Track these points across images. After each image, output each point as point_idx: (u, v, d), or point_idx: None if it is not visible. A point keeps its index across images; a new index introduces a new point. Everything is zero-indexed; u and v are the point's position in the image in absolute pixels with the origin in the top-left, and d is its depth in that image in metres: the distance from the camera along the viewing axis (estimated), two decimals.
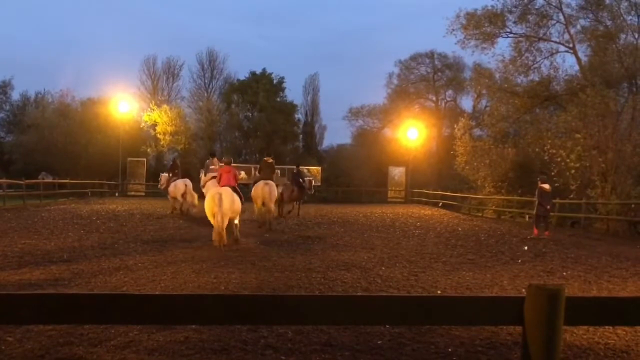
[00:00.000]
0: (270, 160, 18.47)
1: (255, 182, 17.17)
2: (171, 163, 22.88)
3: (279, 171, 27.96)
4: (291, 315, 2.12)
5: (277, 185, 17.57)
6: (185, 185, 19.20)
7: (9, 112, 54.70)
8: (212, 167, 16.87)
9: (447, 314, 2.18)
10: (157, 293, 2.25)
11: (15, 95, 55.12)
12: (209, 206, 11.82)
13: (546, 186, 17.01)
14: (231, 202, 11.95)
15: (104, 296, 2.24)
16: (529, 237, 16.34)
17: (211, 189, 12.74)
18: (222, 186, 12.50)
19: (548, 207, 17.00)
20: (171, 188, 19.79)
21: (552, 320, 2.07)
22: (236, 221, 12.85)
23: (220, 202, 11.48)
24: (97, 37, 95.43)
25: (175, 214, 19.86)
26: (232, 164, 13.83)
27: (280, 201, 19.31)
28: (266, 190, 16.14)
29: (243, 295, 1.94)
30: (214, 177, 14.42)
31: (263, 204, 16.35)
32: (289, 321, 2.25)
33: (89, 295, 2.26)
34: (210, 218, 11.94)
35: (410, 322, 2.20)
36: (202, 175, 17.46)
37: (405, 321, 2.21)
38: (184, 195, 19.10)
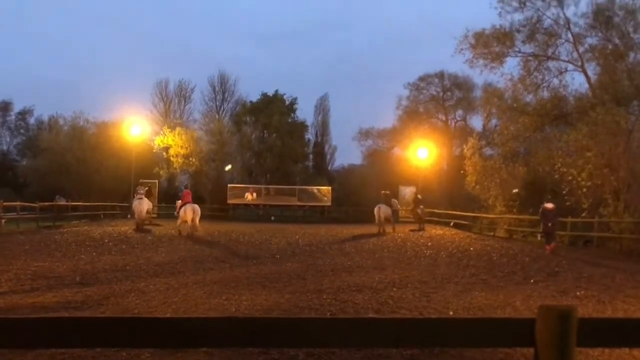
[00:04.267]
0: (387, 192, 27.13)
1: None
2: (182, 189, 26.08)
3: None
4: (304, 338, 2.13)
5: (384, 208, 25.48)
6: (193, 210, 21.32)
7: (25, 136, 55.63)
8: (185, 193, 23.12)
9: (458, 335, 2.18)
10: (170, 316, 2.26)
11: (32, 120, 56.29)
12: (187, 212, 20.95)
13: (549, 205, 18.40)
14: (194, 209, 21.15)
15: (116, 319, 2.26)
16: (546, 253, 17.20)
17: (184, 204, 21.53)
18: (186, 202, 21.57)
19: (549, 224, 18.21)
20: (181, 212, 21.68)
21: (564, 341, 2.07)
22: (197, 220, 21.27)
23: (191, 209, 20.99)
24: (110, 60, 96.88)
25: (182, 235, 20.83)
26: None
27: (384, 221, 25.46)
28: (383, 210, 25.15)
29: (258, 317, 1.96)
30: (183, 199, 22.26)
31: (381, 219, 25.15)
32: (303, 344, 2.25)
33: (100, 318, 2.28)
34: (185, 218, 21.01)
35: (422, 345, 2.20)
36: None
37: (417, 343, 2.21)
38: (193, 219, 21.24)
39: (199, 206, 22.45)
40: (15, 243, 16.85)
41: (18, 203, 28.13)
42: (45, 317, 2.26)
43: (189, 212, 21.10)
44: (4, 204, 23.55)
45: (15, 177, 48.74)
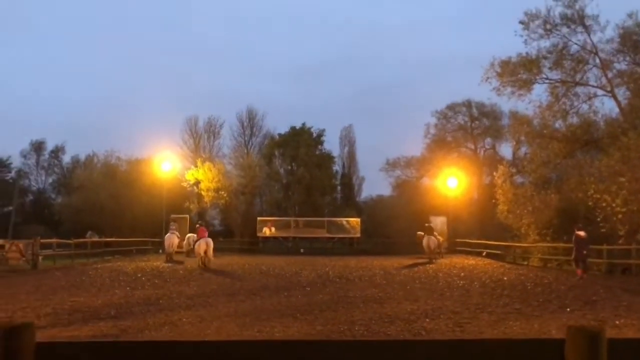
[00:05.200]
0: (430, 225, 29.92)
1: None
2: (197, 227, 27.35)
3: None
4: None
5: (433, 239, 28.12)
6: (207, 244, 22.99)
7: (59, 174, 57.30)
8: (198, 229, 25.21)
9: (489, 356, 2.20)
10: (213, 339, 2.33)
11: (66, 158, 58.05)
12: (200, 245, 22.87)
13: (581, 233, 18.89)
14: (207, 243, 22.81)
15: (160, 343, 2.35)
16: (576, 278, 17.49)
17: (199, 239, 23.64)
18: (201, 237, 23.53)
19: (584, 252, 18.69)
20: (196, 247, 23.84)
21: None
22: (210, 253, 22.77)
23: (205, 243, 22.76)
24: (141, 98, 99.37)
25: (200, 267, 22.16)
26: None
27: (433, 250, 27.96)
28: (431, 241, 27.77)
29: (294, 340, 2.00)
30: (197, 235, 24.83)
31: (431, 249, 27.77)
32: None
33: (145, 342, 2.38)
34: (199, 251, 22.85)
35: None
36: (176, 232, 27.94)
37: None
38: (205, 252, 22.87)
39: (229, 240, 24.40)
40: (52, 279, 17.25)
41: (54, 240, 28.87)
42: (92, 342, 2.37)
43: (203, 246, 22.88)
44: (41, 241, 24.18)
45: (51, 215, 50.01)
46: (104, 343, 2.38)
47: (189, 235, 30.12)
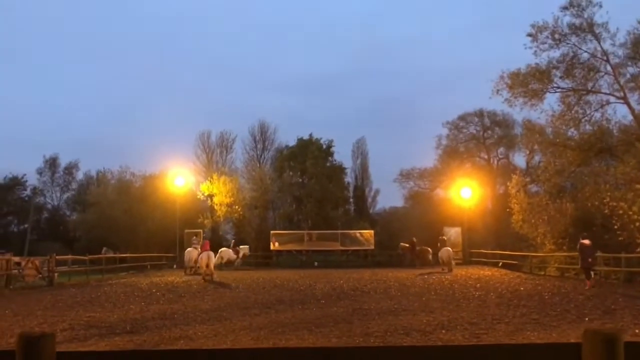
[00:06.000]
0: (444, 238, 31.38)
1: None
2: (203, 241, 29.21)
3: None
4: None
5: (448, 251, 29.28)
6: (208, 257, 24.03)
7: (74, 191, 57.86)
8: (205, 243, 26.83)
9: None
10: (230, 347, 2.34)
11: (80, 175, 58.67)
12: (202, 259, 23.98)
13: (586, 242, 19.00)
14: (208, 256, 23.84)
15: (177, 352, 2.38)
16: (586, 288, 17.53)
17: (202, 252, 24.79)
18: (204, 250, 24.60)
19: (590, 260, 18.78)
20: (199, 260, 25.14)
21: None
22: (212, 266, 23.79)
23: (206, 256, 23.84)
24: (155, 114, 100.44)
25: (206, 280, 22.88)
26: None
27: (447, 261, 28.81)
28: (444, 252, 28.85)
29: (310, 347, 2.01)
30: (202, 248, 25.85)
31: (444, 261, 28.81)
32: None
33: (162, 351, 2.40)
34: (202, 264, 23.94)
35: None
36: (197, 247, 28.50)
37: None
38: (207, 265, 23.85)
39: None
40: (68, 295, 17.37)
41: (69, 257, 29.15)
42: (117, 351, 2.40)
43: (205, 259, 23.93)
44: (57, 258, 24.39)
45: (66, 232, 50.51)
46: (123, 352, 2.41)
47: (222, 249, 32.21)
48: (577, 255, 19.81)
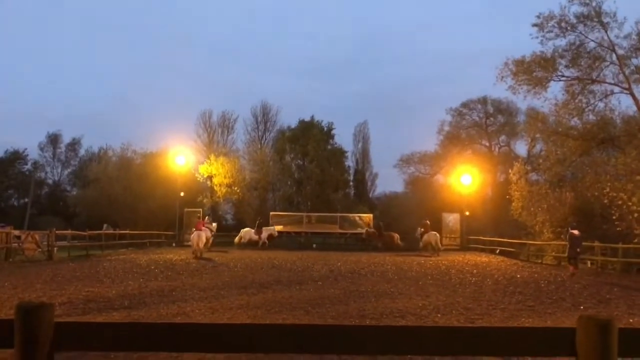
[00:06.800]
0: (427, 222, 30.91)
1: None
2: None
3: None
4: (350, 344, 2.23)
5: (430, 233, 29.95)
6: (198, 236, 24.90)
7: (75, 167, 57.95)
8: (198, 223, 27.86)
9: (501, 344, 2.20)
10: (224, 322, 2.37)
11: (82, 152, 58.71)
12: (193, 238, 25.06)
13: (575, 232, 19.39)
14: (199, 235, 24.83)
15: (177, 325, 2.40)
16: (569, 274, 18.13)
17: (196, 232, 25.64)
18: (198, 229, 25.59)
19: (578, 249, 19.24)
20: (191, 239, 25.96)
21: (604, 351, 2.07)
22: (201, 245, 24.72)
23: (197, 235, 24.86)
24: (156, 94, 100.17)
25: (196, 257, 23.61)
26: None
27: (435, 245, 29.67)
28: (432, 237, 29.51)
29: (305, 324, 2.03)
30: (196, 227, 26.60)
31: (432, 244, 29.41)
32: (347, 350, 2.32)
33: (162, 324, 2.43)
34: (192, 242, 25.08)
35: (466, 352, 2.24)
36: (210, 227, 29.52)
37: (460, 352, 2.25)
38: (197, 244, 24.69)
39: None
40: (67, 270, 17.46)
41: (69, 232, 29.23)
42: (113, 323, 2.42)
43: (195, 238, 24.91)
44: (56, 232, 24.49)
45: (66, 207, 50.64)
46: (122, 324, 2.43)
47: (243, 230, 33.42)
48: (566, 243, 20.29)
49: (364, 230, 37.58)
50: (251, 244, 33.06)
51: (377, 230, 35.84)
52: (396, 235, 34.74)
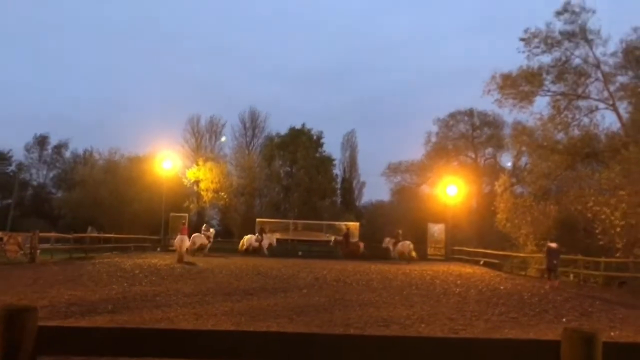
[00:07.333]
0: (399, 231, 33.46)
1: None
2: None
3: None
4: (335, 354, 2.23)
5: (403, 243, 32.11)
6: (182, 241, 25.37)
7: (60, 169, 57.40)
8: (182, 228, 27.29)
9: (485, 355, 2.23)
10: (210, 329, 2.35)
11: (68, 154, 58.21)
12: (176, 243, 25.38)
13: (553, 245, 20.20)
14: (182, 239, 25.23)
15: (163, 331, 2.39)
16: (547, 287, 18.35)
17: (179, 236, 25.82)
18: (182, 234, 25.79)
19: (555, 262, 19.82)
20: (175, 243, 26.29)
21: None
22: (184, 249, 24.93)
23: (180, 240, 25.20)
24: (143, 96, 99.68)
25: (180, 263, 23.25)
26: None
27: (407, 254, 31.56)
28: (405, 246, 31.65)
29: (292, 332, 2.03)
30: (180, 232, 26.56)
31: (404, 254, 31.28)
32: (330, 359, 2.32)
33: (148, 329, 2.41)
34: (176, 247, 25.33)
35: None
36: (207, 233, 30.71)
37: None
38: (180, 248, 25.09)
39: (227, 240, 27.76)
40: (50, 273, 17.24)
41: (53, 234, 28.91)
42: (101, 327, 2.40)
43: (178, 242, 25.37)
44: (40, 234, 24.18)
45: (51, 209, 50.06)
46: (106, 329, 2.41)
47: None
48: (544, 256, 20.90)
49: (332, 239, 37.90)
50: (254, 251, 32.38)
51: (345, 239, 36.60)
52: (361, 244, 35.70)
